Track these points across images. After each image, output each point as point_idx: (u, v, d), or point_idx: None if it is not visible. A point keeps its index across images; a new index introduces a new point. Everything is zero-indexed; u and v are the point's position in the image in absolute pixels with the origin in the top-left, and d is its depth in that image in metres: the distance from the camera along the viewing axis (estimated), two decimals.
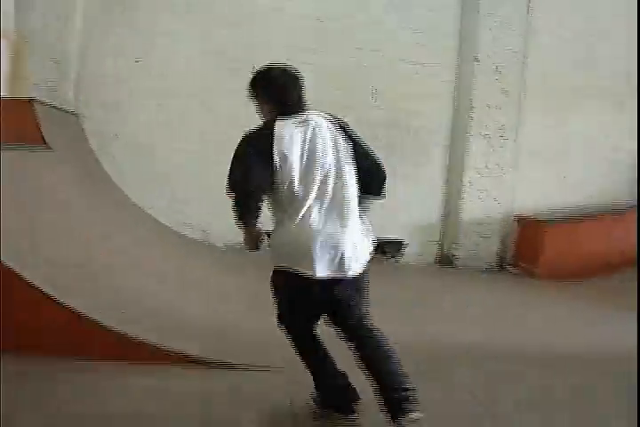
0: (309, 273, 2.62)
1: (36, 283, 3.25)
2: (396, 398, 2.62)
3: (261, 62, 2.90)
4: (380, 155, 2.87)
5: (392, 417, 2.62)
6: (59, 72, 6.59)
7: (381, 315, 2.88)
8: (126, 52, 6.80)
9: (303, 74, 2.83)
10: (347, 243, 2.63)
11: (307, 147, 2.64)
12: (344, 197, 2.67)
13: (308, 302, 2.73)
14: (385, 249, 7.15)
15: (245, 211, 2.64)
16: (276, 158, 2.59)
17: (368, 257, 2.74)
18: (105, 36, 6.77)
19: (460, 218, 7.34)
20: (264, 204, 2.66)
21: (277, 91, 2.73)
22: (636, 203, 7.48)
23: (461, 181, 7.33)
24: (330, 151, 2.67)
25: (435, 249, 7.55)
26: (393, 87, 7.20)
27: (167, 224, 6.60)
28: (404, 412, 2.58)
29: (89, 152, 6.55)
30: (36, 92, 6.10)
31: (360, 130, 2.93)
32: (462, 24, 7.33)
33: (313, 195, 2.62)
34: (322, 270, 2.62)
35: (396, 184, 7.01)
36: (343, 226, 2.65)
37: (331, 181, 2.65)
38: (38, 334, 3.22)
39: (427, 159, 7.49)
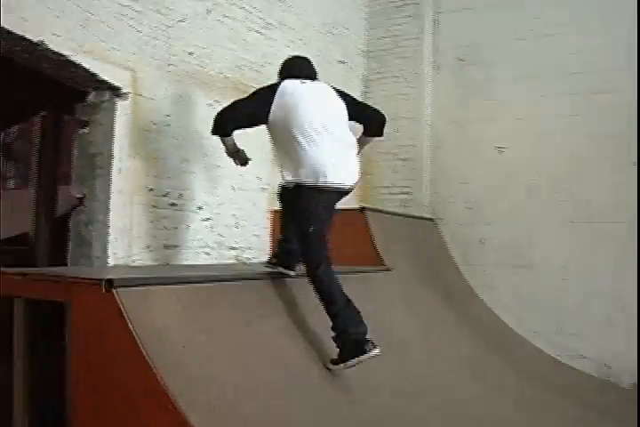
0: (331, 182, 3.29)
1: None
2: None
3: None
4: None
5: None
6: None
7: None
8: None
9: None
10: (351, 165, 3.42)
11: (310, 94, 3.37)
12: (346, 134, 3.44)
13: (327, 208, 3.41)
14: None
15: (226, 119, 3.34)
16: (277, 97, 3.29)
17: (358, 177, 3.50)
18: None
19: None
20: (244, 128, 3.39)
21: (290, 65, 3.59)
22: None
23: None
24: (329, 102, 3.44)
25: None
26: None
27: (553, 355, 5.17)
28: None
29: (447, 260, 5.74)
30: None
31: None
32: None
33: (319, 131, 3.28)
34: (338, 180, 3.33)
35: None
36: (347, 154, 3.41)
37: (334, 123, 3.37)
38: None
39: None
